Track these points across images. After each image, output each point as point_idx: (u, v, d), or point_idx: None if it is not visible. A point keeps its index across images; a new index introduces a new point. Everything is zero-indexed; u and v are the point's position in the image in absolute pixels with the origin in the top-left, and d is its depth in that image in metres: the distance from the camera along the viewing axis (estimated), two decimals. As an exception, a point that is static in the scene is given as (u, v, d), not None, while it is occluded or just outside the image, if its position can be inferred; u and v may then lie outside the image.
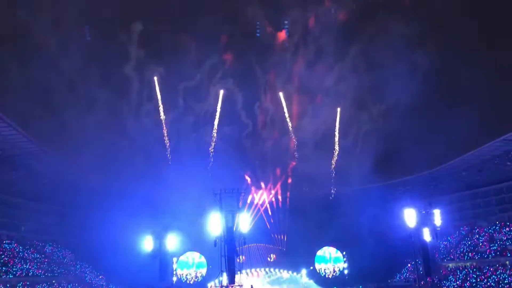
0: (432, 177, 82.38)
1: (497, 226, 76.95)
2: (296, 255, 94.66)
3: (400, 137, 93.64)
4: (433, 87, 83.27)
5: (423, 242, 62.53)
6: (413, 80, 79.50)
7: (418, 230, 63.36)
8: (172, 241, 74.01)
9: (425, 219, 62.49)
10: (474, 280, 64.96)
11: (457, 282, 67.43)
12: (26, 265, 63.84)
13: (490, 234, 76.06)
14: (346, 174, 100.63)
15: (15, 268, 60.24)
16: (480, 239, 76.90)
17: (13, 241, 67.90)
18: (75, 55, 75.00)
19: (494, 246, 71.43)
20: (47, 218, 78.38)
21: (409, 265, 79.41)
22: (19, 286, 55.22)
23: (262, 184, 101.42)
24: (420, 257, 64.74)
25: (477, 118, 72.73)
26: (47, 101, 71.87)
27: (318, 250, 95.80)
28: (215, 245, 52.14)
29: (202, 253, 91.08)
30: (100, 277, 79.03)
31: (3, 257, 60.68)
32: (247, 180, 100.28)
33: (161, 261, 71.60)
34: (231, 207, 53.26)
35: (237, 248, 53.94)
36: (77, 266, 78.03)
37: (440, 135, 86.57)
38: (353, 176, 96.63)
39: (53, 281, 65.70)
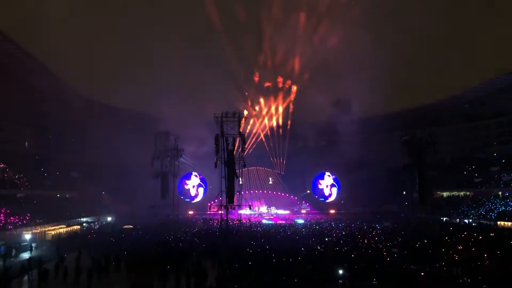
0: (434, 109, 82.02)
1: (494, 158, 77.90)
2: (294, 178, 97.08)
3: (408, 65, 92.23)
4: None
5: (420, 172, 63.77)
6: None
7: (415, 160, 64.39)
8: (175, 163, 76.26)
9: (424, 149, 63.18)
10: (466, 209, 66.88)
11: (450, 211, 69.47)
12: (31, 179, 65.54)
13: (487, 166, 77.18)
14: (347, 102, 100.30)
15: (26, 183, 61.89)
16: (476, 169, 78.17)
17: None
18: None
19: (489, 177, 72.75)
20: (49, 136, 79.04)
21: (404, 193, 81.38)
22: (23, 196, 56.91)
23: (264, 109, 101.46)
24: (416, 186, 66.45)
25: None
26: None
27: (315, 174, 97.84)
28: (215, 166, 53.22)
29: (203, 173, 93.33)
30: (103, 192, 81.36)
31: (11, 174, 62.02)
32: (248, 103, 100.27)
33: (163, 180, 73.94)
34: (232, 130, 53.67)
35: (237, 171, 55.13)
36: (81, 182, 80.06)
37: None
38: (354, 104, 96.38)
39: (57, 195, 67.69)
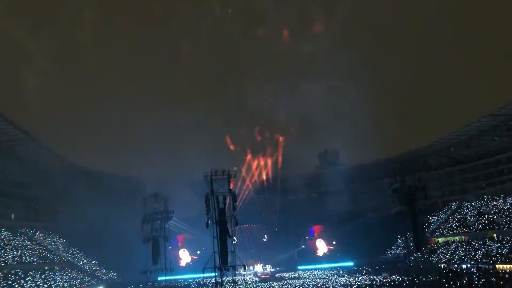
0: (420, 154, 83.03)
1: (484, 200, 78.14)
2: (288, 234, 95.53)
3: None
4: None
5: (413, 218, 63.43)
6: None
7: (408, 206, 64.23)
8: (165, 225, 74.85)
9: (414, 195, 63.22)
10: (462, 254, 66.13)
11: (446, 256, 68.62)
12: (18, 252, 63.51)
13: (478, 208, 77.26)
14: (335, 153, 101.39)
15: (7, 256, 59.90)
16: (468, 213, 78.12)
17: (3, 229, 67.31)
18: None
19: (482, 219, 72.60)
20: (37, 206, 77.82)
21: (399, 240, 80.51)
22: (12, 274, 54.86)
23: (254, 163, 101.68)
24: (410, 233, 65.83)
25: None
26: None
27: (308, 228, 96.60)
28: (207, 226, 52.39)
29: (194, 234, 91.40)
30: (93, 262, 79.03)
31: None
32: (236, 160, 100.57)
33: (153, 245, 72.17)
34: (222, 188, 53.40)
35: (229, 229, 54.24)
36: (69, 252, 77.89)
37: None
38: (341, 154, 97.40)
39: (46, 268, 65.51)
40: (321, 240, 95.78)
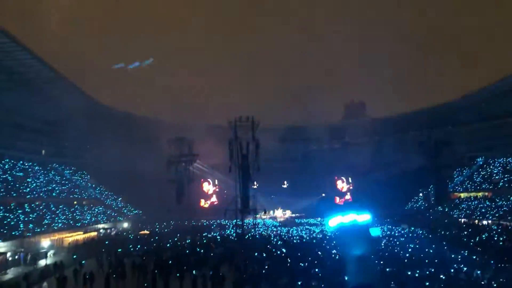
0: (449, 108, 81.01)
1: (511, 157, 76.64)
2: (309, 182, 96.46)
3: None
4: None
5: (437, 172, 63.03)
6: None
7: (432, 161, 63.65)
8: (189, 168, 76.60)
9: (440, 150, 62.43)
10: (484, 210, 65.82)
11: (468, 211, 68.47)
12: (49, 187, 66.30)
13: (504, 165, 75.93)
14: (362, 104, 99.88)
15: (39, 190, 62.63)
16: (494, 170, 76.98)
17: (35, 164, 69.95)
18: None
19: (508, 177, 71.52)
20: (66, 143, 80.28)
21: (421, 194, 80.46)
22: (43, 207, 57.56)
23: (279, 111, 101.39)
24: (432, 187, 65.72)
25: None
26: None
27: (330, 178, 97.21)
28: (229, 171, 53.27)
29: (217, 179, 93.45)
30: (119, 199, 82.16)
31: (27, 179, 62.87)
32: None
33: (177, 186, 74.34)
34: (246, 135, 53.67)
35: (251, 175, 55.06)
36: (97, 189, 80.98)
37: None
38: (368, 105, 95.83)
39: (75, 202, 68.46)
40: (342, 190, 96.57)
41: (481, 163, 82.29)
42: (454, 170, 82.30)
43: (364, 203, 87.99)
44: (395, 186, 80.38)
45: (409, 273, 25.34)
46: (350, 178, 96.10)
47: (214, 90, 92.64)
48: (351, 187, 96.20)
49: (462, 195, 77.20)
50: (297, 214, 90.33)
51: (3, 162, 61.34)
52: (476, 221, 63.00)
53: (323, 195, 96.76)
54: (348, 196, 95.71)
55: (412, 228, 56.22)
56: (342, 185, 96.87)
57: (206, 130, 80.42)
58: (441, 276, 23.95)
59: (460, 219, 65.96)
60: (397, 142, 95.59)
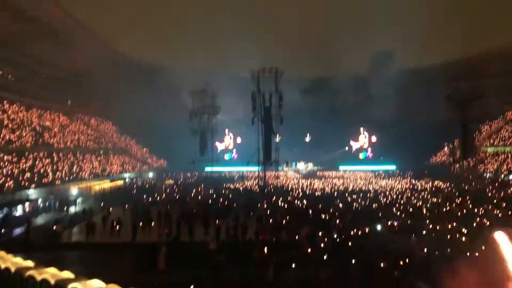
0: (480, 59, 77.98)
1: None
2: (332, 135, 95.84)
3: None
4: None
5: (464, 126, 61.60)
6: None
7: (460, 113, 62.05)
8: (210, 120, 76.89)
9: (469, 102, 60.68)
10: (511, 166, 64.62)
11: (494, 166, 67.36)
12: (75, 136, 67.90)
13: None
14: (388, 55, 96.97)
15: (65, 139, 64.22)
16: (523, 124, 74.90)
17: (61, 113, 71.40)
18: None
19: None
20: (91, 94, 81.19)
21: (446, 148, 79.24)
22: (70, 156, 59.14)
23: (301, 62, 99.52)
24: (459, 140, 64.52)
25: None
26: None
27: (353, 130, 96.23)
28: (252, 123, 53.33)
29: (239, 130, 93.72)
30: (144, 149, 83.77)
31: (53, 129, 64.44)
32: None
33: (200, 137, 75.04)
34: (269, 87, 53.15)
35: (274, 127, 55.01)
36: (122, 139, 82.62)
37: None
38: (395, 55, 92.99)
39: (101, 152, 70.12)
40: (365, 142, 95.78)
41: (510, 118, 80.00)
42: (482, 124, 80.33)
43: (388, 156, 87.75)
44: (420, 139, 79.25)
45: (431, 226, 25.42)
46: (374, 131, 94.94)
47: (237, 39, 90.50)
48: (375, 140, 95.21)
49: (489, 149, 75.70)
50: (319, 167, 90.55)
51: (31, 111, 62.68)
52: (502, 176, 62.05)
53: (347, 148, 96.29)
54: (369, 150, 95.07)
55: (436, 182, 55.88)
56: (365, 137, 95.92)
57: (229, 81, 79.91)
58: (463, 230, 23.94)
59: (485, 174, 65.05)
60: (424, 94, 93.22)
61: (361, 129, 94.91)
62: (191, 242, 24.58)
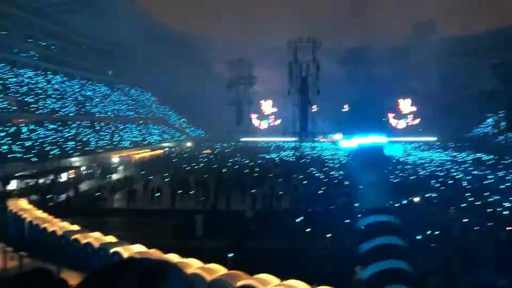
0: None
1: None
2: (371, 106, 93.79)
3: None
4: None
5: (510, 97, 59.05)
6: None
7: (505, 84, 59.45)
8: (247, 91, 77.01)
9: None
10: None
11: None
12: (116, 106, 69.66)
13: None
14: (429, 23, 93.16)
15: (106, 108, 66.02)
16: None
17: (102, 84, 73.22)
18: None
19: None
20: (132, 65, 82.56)
21: (489, 120, 76.31)
22: (112, 124, 60.86)
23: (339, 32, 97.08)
24: (503, 112, 61.97)
25: None
26: None
27: (392, 101, 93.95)
28: (289, 93, 53.09)
29: (276, 101, 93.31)
30: (182, 119, 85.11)
31: (96, 99, 66.28)
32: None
33: (237, 108, 75.56)
34: (306, 58, 52.48)
35: (310, 97, 54.62)
36: (161, 109, 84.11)
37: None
38: (437, 24, 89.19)
39: (140, 122, 71.76)
40: (405, 113, 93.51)
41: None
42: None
43: (429, 127, 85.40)
44: (462, 110, 76.61)
45: (470, 199, 24.87)
46: (414, 101, 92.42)
47: (273, 8, 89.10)
48: (415, 110, 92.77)
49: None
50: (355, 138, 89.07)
51: (73, 81, 64.49)
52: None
53: (385, 119, 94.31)
54: (410, 117, 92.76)
55: (477, 155, 54.20)
56: (405, 108, 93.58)
57: (265, 52, 79.21)
58: (506, 203, 23.31)
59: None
60: (467, 64, 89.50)
61: (400, 100, 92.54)
62: (227, 210, 25.10)
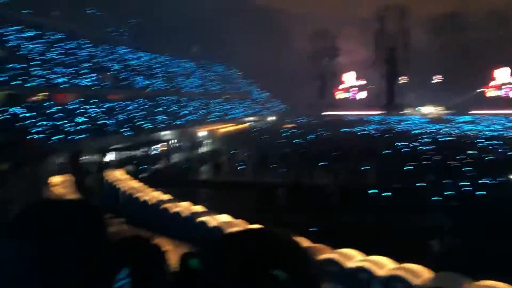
0: None
1: None
2: (465, 76, 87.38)
3: None
4: None
5: None
6: None
7: None
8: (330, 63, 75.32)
9: None
10: None
11: None
12: (201, 81, 71.83)
13: None
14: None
15: (194, 83, 68.35)
16: None
17: (186, 60, 75.55)
18: None
19: None
20: (216, 39, 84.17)
21: None
22: (198, 99, 63.05)
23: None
24: None
25: None
26: None
27: (489, 71, 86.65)
28: (373, 64, 51.29)
29: (361, 73, 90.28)
30: (266, 93, 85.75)
31: (181, 75, 68.69)
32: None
33: (321, 80, 74.45)
34: (394, 26, 50.10)
35: (398, 68, 52.26)
36: (245, 84, 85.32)
37: None
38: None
39: (225, 96, 73.41)
40: (503, 83, 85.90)
41: None
42: None
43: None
44: None
45: None
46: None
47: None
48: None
49: None
50: (449, 111, 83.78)
51: (162, 58, 67.30)
52: None
53: (479, 90, 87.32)
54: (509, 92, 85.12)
55: None
56: (502, 77, 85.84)
57: (349, 22, 76.56)
58: None
59: None
60: None
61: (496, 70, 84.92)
62: (309, 184, 25.15)
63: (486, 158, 29.60)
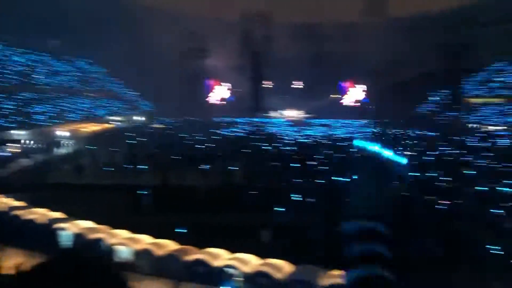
0: (472, 9, 76.32)
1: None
2: (321, 82, 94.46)
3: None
4: None
5: (454, 76, 61.17)
6: None
7: (450, 63, 61.48)
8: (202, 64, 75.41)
9: (460, 53, 59.94)
10: (496, 118, 65.08)
11: (479, 117, 67.74)
12: (63, 78, 66.63)
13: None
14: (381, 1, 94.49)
15: (49, 79, 62.89)
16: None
17: (48, 55, 69.49)
18: None
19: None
20: (80, 34, 78.50)
21: (435, 97, 79.36)
22: (58, 98, 58.26)
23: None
24: (447, 90, 64.33)
25: None
26: None
27: (342, 80, 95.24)
28: (240, 69, 52.83)
29: (229, 77, 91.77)
30: (134, 93, 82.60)
31: (38, 69, 62.90)
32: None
33: (189, 82, 74.15)
34: (258, 32, 52.23)
35: (262, 73, 54.64)
36: (111, 82, 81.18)
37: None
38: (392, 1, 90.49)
39: (91, 94, 69.09)
40: (353, 92, 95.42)
41: (499, 68, 79.36)
42: (471, 74, 79.75)
43: (376, 105, 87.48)
44: (408, 89, 78.81)
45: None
46: (363, 79, 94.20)
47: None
48: (364, 88, 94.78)
49: (476, 100, 75.42)
50: (308, 115, 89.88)
51: (18, 51, 60.96)
52: (489, 127, 62.35)
53: (333, 96, 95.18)
54: (359, 100, 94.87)
55: (421, 131, 56.52)
56: (354, 85, 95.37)
57: (217, 25, 77.66)
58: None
59: (470, 125, 65.47)
60: (413, 43, 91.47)
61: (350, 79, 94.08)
62: (177, 185, 24.90)
63: (337, 158, 32.68)
